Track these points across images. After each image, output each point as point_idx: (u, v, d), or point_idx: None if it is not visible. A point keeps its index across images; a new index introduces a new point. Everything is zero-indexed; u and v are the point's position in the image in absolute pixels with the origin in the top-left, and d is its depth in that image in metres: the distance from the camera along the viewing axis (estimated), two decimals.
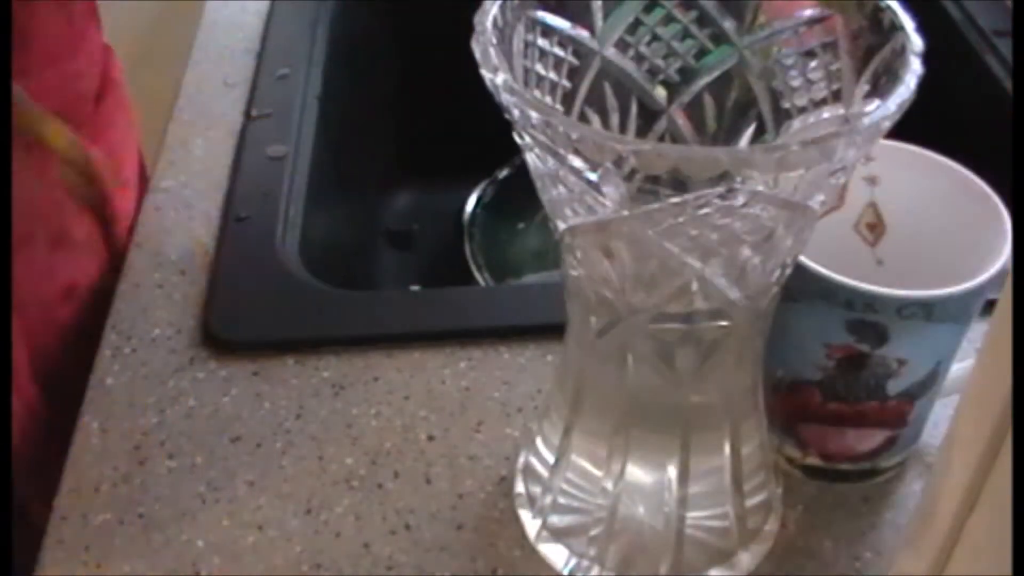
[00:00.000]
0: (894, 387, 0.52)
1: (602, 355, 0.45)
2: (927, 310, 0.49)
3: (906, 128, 0.40)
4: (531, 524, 0.53)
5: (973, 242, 0.51)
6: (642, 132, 0.46)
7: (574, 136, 0.36)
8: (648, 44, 0.46)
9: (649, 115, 0.46)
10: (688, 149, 0.37)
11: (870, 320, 0.49)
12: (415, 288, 0.91)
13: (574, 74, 0.45)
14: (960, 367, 0.55)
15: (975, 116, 0.86)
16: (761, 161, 0.35)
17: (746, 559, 0.52)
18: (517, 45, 0.42)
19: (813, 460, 0.56)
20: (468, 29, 0.39)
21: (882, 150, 0.53)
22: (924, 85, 0.39)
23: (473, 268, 0.86)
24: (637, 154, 0.35)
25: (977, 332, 0.52)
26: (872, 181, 0.55)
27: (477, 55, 0.39)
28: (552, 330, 0.53)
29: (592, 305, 0.44)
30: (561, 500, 0.51)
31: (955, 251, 0.52)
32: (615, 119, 0.46)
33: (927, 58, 0.40)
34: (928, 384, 0.52)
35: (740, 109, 0.46)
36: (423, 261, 0.95)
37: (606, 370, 0.46)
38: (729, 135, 0.46)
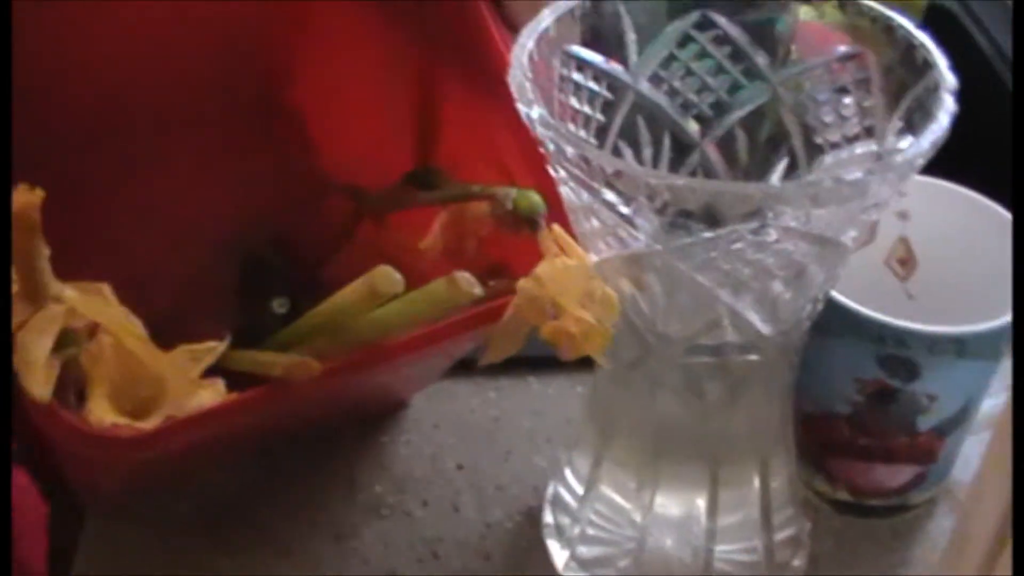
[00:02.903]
0: (924, 423, 0.51)
1: (633, 387, 0.46)
2: (958, 346, 0.49)
3: (936, 162, 0.40)
4: (559, 555, 0.53)
5: (1004, 276, 0.51)
6: (675, 165, 0.47)
7: (609, 170, 0.36)
8: (682, 78, 0.46)
9: (682, 148, 0.47)
10: (722, 185, 0.37)
11: (901, 355, 0.49)
12: None
13: (608, 108, 0.45)
14: (991, 404, 0.54)
15: (1007, 150, 0.86)
16: (794, 197, 0.36)
17: None
18: (552, 79, 0.43)
19: (842, 495, 0.55)
20: None
21: (913, 185, 0.53)
22: (955, 119, 0.39)
23: None
24: (671, 189, 0.35)
25: (1008, 368, 0.52)
26: (903, 216, 0.55)
27: (513, 89, 0.39)
28: (581, 361, 0.53)
29: (623, 337, 0.44)
30: (590, 531, 0.51)
31: (986, 286, 0.52)
32: (648, 152, 0.46)
33: (958, 91, 0.40)
34: (959, 420, 0.52)
35: (773, 143, 0.46)
36: None
37: (636, 402, 0.46)
38: (761, 169, 0.47)
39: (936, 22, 0.95)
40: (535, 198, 0.46)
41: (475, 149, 0.53)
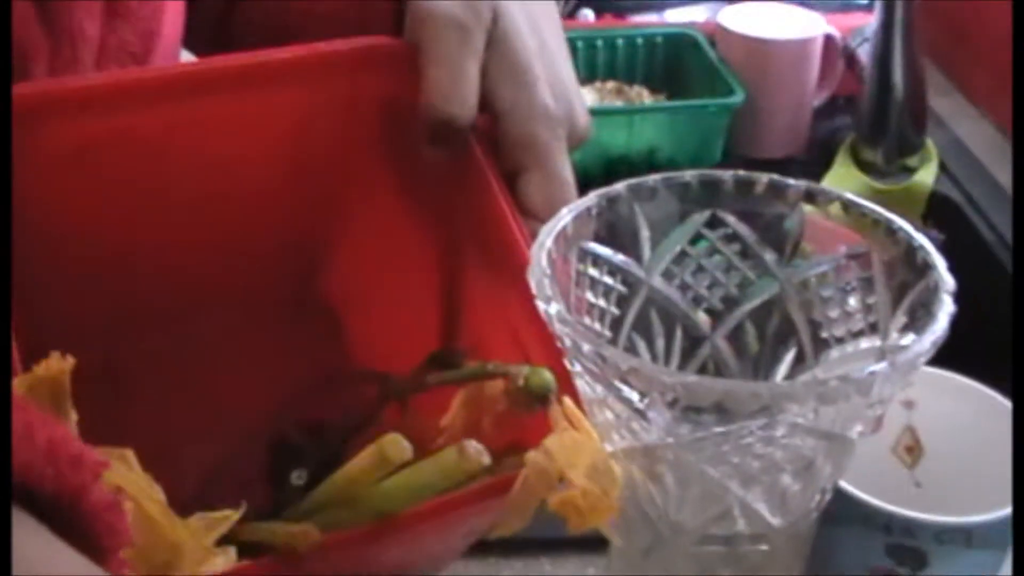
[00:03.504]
0: None
1: (645, 573, 0.46)
2: (966, 536, 0.50)
3: (941, 350, 0.41)
4: None
5: (1010, 466, 0.52)
6: (686, 356, 0.48)
7: (623, 367, 0.38)
8: (693, 274, 0.48)
9: (693, 340, 0.48)
10: (732, 384, 0.39)
11: (909, 545, 0.50)
12: None
13: (622, 301, 0.47)
14: None
15: (1009, 337, 0.87)
16: (801, 396, 0.37)
17: None
18: (569, 274, 0.45)
19: None
20: None
21: (919, 375, 0.54)
22: (958, 307, 0.41)
23: None
24: (684, 386, 0.37)
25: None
26: (909, 405, 0.56)
27: (532, 286, 0.41)
28: (594, 543, 0.54)
29: (636, 525, 0.45)
30: None
31: (993, 475, 0.53)
32: (661, 344, 0.48)
33: (960, 279, 0.42)
34: None
35: (780, 337, 0.48)
36: None
37: None
38: (770, 361, 0.48)
39: (939, 212, 0.98)
40: (546, 376, 0.47)
41: (495, 329, 0.55)
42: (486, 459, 0.44)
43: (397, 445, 0.44)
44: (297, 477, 0.53)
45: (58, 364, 0.40)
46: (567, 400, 0.46)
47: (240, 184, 0.56)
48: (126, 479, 0.41)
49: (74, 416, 0.41)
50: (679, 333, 0.48)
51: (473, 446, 0.44)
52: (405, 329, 0.59)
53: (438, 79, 0.53)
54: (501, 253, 0.54)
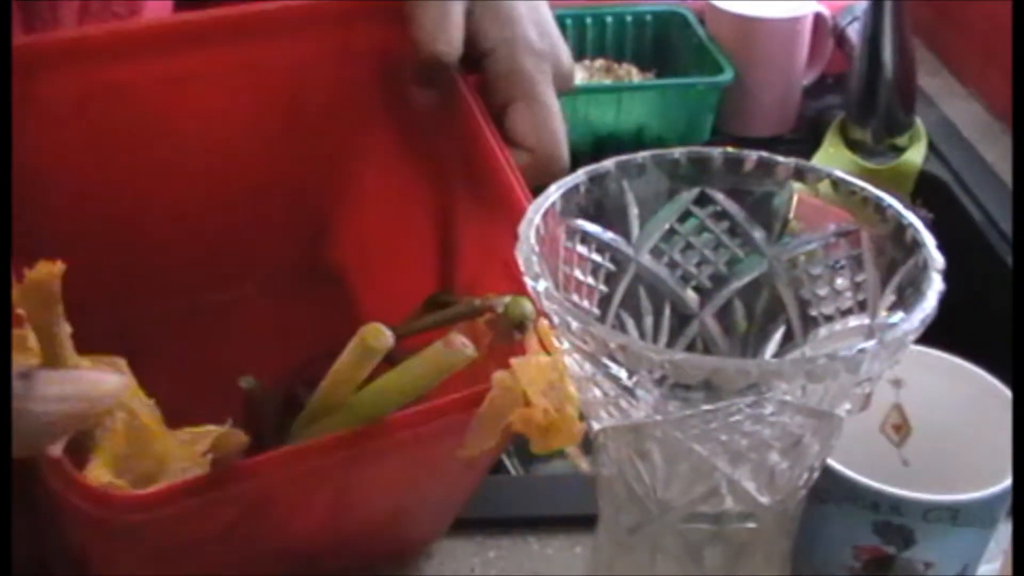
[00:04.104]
0: None
1: (633, 552, 0.46)
2: (953, 514, 0.50)
3: (929, 329, 0.41)
4: None
5: (997, 445, 0.52)
6: (675, 335, 0.48)
7: (611, 344, 0.37)
8: (682, 252, 0.48)
9: (682, 319, 0.48)
10: (720, 361, 0.39)
11: (896, 523, 0.50)
12: None
13: (611, 279, 0.47)
14: (988, 569, 0.55)
15: (997, 316, 0.87)
16: (789, 373, 0.37)
17: None
18: (558, 251, 0.44)
19: None
20: None
21: (907, 354, 0.54)
22: (947, 287, 0.41)
23: (503, 456, 0.87)
24: (672, 363, 0.37)
25: (1004, 534, 0.53)
26: (897, 383, 0.56)
27: (520, 263, 0.41)
28: (581, 521, 0.54)
29: (623, 503, 0.45)
30: None
31: (980, 453, 0.53)
32: (649, 322, 0.48)
33: (949, 259, 0.42)
34: None
35: (769, 315, 0.48)
36: None
37: (636, 567, 0.47)
38: (758, 339, 0.48)
39: (928, 191, 0.98)
40: (524, 304, 0.48)
41: (488, 265, 0.56)
42: (470, 350, 0.45)
43: (378, 333, 0.44)
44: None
45: (48, 268, 0.41)
46: (543, 322, 0.47)
47: (240, 140, 0.58)
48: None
49: (67, 328, 0.42)
50: (667, 311, 0.48)
51: (458, 338, 0.45)
52: (408, 278, 0.60)
53: (425, 19, 0.55)
54: (490, 190, 0.55)
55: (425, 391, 0.46)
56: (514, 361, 0.45)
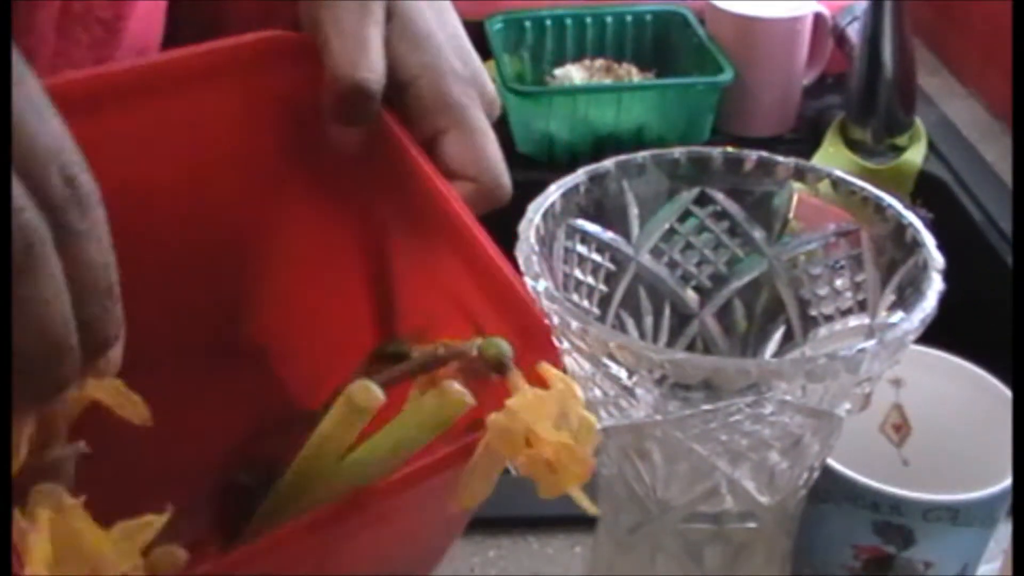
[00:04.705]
0: None
1: (633, 552, 0.46)
2: (953, 514, 0.50)
3: (929, 329, 0.41)
4: None
5: (998, 445, 0.52)
6: (674, 334, 0.48)
7: (611, 344, 0.38)
8: (682, 251, 0.48)
9: (682, 318, 0.48)
10: (720, 361, 0.39)
11: (896, 522, 0.50)
12: None
13: (611, 279, 0.47)
14: (988, 569, 0.55)
15: (997, 316, 0.87)
16: (790, 373, 0.37)
17: None
18: (557, 251, 0.44)
19: None
20: None
21: (906, 353, 0.55)
22: (947, 287, 0.41)
23: None
24: (672, 363, 0.37)
25: (1004, 534, 0.53)
26: (897, 383, 0.56)
27: (520, 262, 0.41)
28: (580, 521, 0.54)
29: (623, 503, 0.45)
30: None
31: (980, 453, 0.53)
32: (649, 322, 0.48)
33: (949, 259, 0.42)
34: None
35: (769, 315, 0.48)
36: None
37: (636, 567, 0.47)
38: (758, 339, 0.48)
39: (927, 191, 0.98)
40: (500, 344, 0.44)
41: (442, 308, 0.51)
42: (469, 399, 0.41)
43: (366, 391, 0.41)
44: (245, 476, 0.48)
45: None
46: (545, 364, 0.43)
47: (140, 212, 0.49)
48: (43, 491, 0.39)
49: None
50: (667, 311, 0.48)
51: (454, 386, 0.41)
52: (342, 339, 0.55)
53: (343, 48, 0.51)
54: (434, 225, 0.51)
55: (418, 449, 0.43)
56: (511, 401, 0.41)
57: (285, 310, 0.58)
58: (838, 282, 0.46)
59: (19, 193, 0.35)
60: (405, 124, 0.53)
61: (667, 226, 0.47)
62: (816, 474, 0.45)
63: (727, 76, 1.03)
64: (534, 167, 1.03)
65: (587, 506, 0.42)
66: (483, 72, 0.56)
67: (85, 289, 0.38)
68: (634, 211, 0.47)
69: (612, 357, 0.38)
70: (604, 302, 0.47)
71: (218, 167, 0.54)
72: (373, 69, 0.51)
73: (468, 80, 0.54)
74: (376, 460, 0.42)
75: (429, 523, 0.50)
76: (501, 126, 1.02)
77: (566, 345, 0.41)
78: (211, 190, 0.54)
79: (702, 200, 0.47)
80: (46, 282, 0.36)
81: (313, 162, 0.55)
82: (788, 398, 0.38)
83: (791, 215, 0.48)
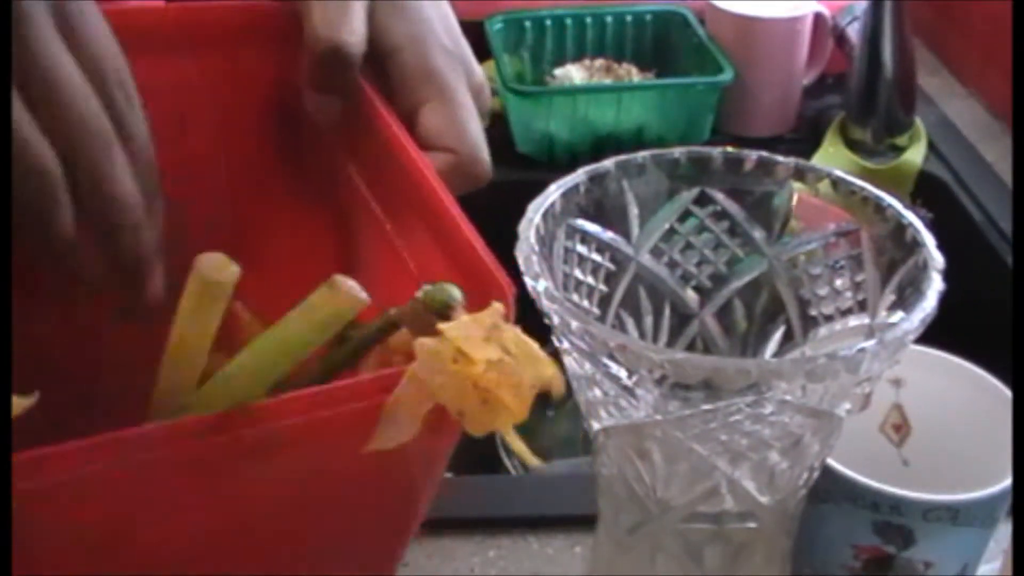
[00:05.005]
0: None
1: (633, 552, 0.46)
2: (953, 514, 0.50)
3: (929, 329, 0.41)
4: None
5: (998, 445, 0.52)
6: (674, 334, 0.48)
7: (611, 344, 0.38)
8: (682, 251, 0.48)
9: (682, 318, 0.48)
10: (720, 361, 0.39)
11: (896, 522, 0.50)
12: (445, 475, 0.92)
13: (611, 279, 0.47)
14: (988, 569, 0.55)
15: (997, 317, 0.87)
16: (789, 373, 0.37)
17: None
18: (557, 251, 0.44)
19: None
20: None
21: (906, 353, 0.55)
22: (947, 286, 0.41)
23: (503, 455, 0.87)
24: (672, 363, 0.37)
25: (1004, 534, 0.53)
26: (897, 383, 0.56)
27: (520, 262, 0.41)
28: (581, 521, 0.54)
29: (623, 503, 0.45)
30: None
31: (980, 453, 0.53)
32: (649, 322, 0.48)
33: (949, 258, 0.42)
34: None
35: (769, 315, 0.48)
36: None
37: (636, 567, 0.47)
38: (758, 339, 0.48)
39: (928, 191, 0.98)
40: (450, 291, 0.40)
41: (412, 282, 0.45)
42: (363, 295, 0.38)
43: (214, 259, 0.36)
44: None
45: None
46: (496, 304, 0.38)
47: None
48: None
49: None
50: (667, 311, 0.48)
51: (345, 281, 0.37)
52: None
53: (324, 13, 0.50)
54: (408, 196, 0.49)
55: (311, 352, 0.38)
56: (442, 325, 0.36)
57: (255, 277, 0.56)
58: (838, 282, 0.46)
59: None
60: (388, 96, 0.52)
61: (667, 226, 0.47)
62: (816, 474, 0.45)
63: (727, 76, 1.03)
64: (534, 167, 1.03)
65: (527, 456, 0.37)
66: (470, 54, 0.55)
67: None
68: (634, 211, 0.47)
69: (612, 357, 0.38)
70: (604, 302, 0.47)
71: (195, 135, 0.53)
72: (353, 33, 0.50)
73: (455, 56, 0.53)
74: (260, 366, 0.38)
75: (358, 467, 0.40)
76: (501, 126, 1.03)
77: (566, 345, 0.41)
78: (184, 154, 0.53)
79: (702, 200, 0.47)
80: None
81: (290, 133, 0.55)
82: (788, 398, 0.38)
83: (791, 215, 0.48)
